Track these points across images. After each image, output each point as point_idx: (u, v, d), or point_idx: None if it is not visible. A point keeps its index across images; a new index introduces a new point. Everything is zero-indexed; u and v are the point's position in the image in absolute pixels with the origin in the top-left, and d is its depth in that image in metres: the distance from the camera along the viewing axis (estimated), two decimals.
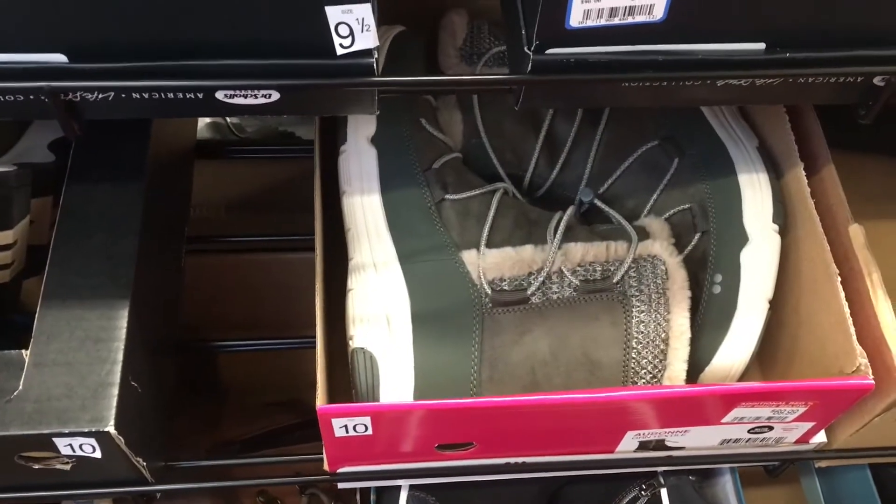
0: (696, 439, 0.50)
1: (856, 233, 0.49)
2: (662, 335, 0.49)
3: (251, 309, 0.69)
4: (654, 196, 0.56)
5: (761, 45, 0.40)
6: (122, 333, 0.45)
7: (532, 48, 0.39)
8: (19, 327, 0.48)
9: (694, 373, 0.50)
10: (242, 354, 0.71)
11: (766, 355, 0.53)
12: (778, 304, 0.51)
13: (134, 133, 0.51)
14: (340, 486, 0.52)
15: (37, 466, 0.46)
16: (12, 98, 0.39)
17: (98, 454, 0.44)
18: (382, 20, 0.39)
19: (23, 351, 0.44)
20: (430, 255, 0.51)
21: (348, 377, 0.50)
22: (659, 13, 0.37)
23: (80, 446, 0.43)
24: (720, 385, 0.47)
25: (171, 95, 0.40)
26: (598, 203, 0.56)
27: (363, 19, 0.37)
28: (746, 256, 0.51)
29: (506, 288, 0.50)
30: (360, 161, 0.53)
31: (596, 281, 0.50)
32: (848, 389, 0.44)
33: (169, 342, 0.56)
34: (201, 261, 0.70)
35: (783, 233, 0.51)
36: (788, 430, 0.49)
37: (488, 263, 0.50)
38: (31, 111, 0.40)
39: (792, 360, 0.52)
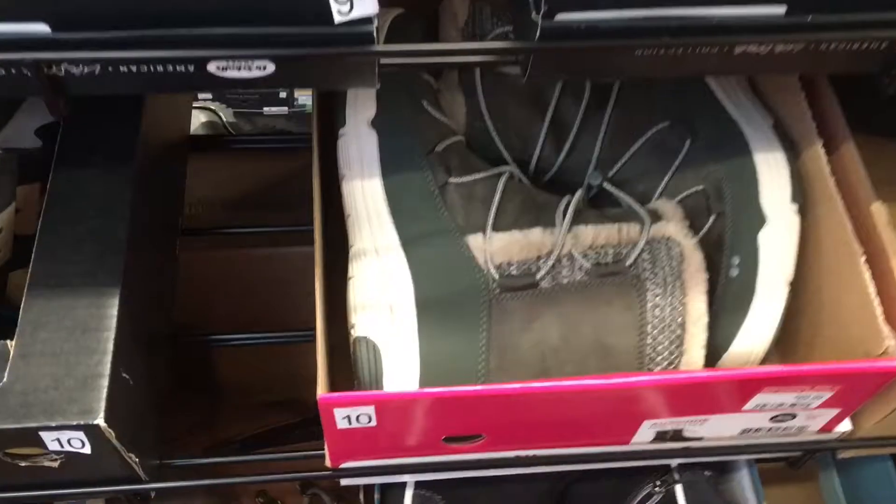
0: (715, 429, 0.48)
1: (879, 211, 0.47)
2: (679, 320, 0.47)
3: (249, 305, 0.67)
4: (666, 179, 0.53)
5: (781, 9, 0.38)
6: (113, 322, 0.43)
7: (541, 13, 0.37)
8: (4, 321, 0.46)
9: (711, 359, 0.47)
10: (240, 351, 0.69)
11: (786, 341, 0.51)
12: (798, 287, 0.49)
13: (124, 117, 0.49)
14: (343, 482, 0.50)
15: (24, 464, 0.43)
16: None
17: (87, 450, 0.42)
18: (381, 3, 0.37)
19: (7, 341, 0.42)
20: (433, 239, 0.49)
21: (350, 371, 0.47)
22: None
23: (69, 441, 0.41)
24: (742, 369, 0.44)
25: (160, 69, 0.38)
26: (608, 187, 0.54)
27: None
28: (765, 238, 0.48)
29: (514, 273, 0.47)
30: (359, 144, 0.51)
31: (608, 264, 0.47)
32: (877, 372, 0.42)
33: (163, 335, 0.54)
34: (197, 256, 0.68)
35: (802, 213, 0.49)
36: (812, 417, 0.47)
37: (495, 247, 0.48)
38: (13, 86, 0.38)
39: (813, 345, 0.50)
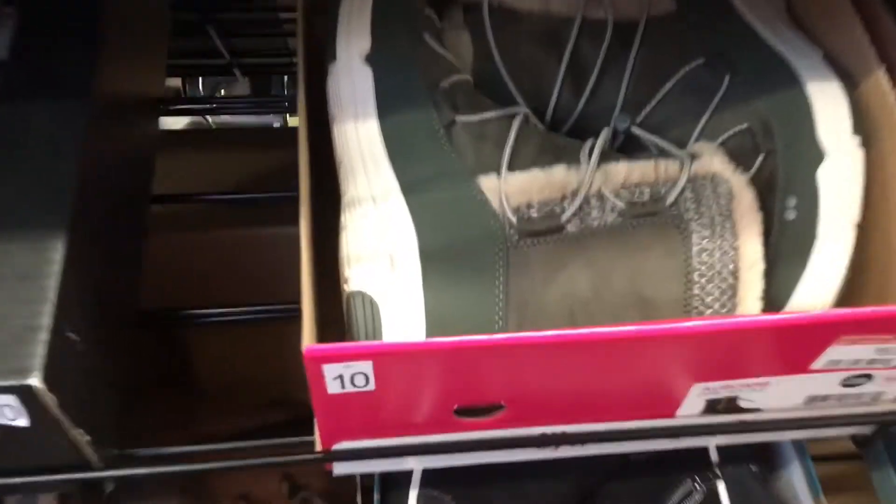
0: (776, 397, 0.40)
1: None
2: (730, 266, 0.40)
3: (231, 290, 0.60)
4: (703, 121, 0.47)
5: None
6: (56, 269, 0.35)
7: None
8: None
9: None
10: (225, 346, 0.62)
11: (851, 293, 0.43)
12: (862, 231, 0.42)
13: (78, 54, 0.43)
14: (336, 470, 0.42)
15: None
16: None
17: (24, 422, 0.34)
18: None
19: None
20: (439, 182, 0.42)
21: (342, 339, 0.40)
22: None
23: (1, 409, 0.34)
24: (817, 312, 0.37)
25: None
26: (637, 131, 0.47)
27: None
28: (824, 174, 0.42)
29: (534, 216, 0.40)
30: (352, 81, 0.44)
31: (645, 204, 0.41)
32: None
33: (128, 305, 0.46)
34: (174, 238, 0.61)
35: (865, 147, 0.42)
36: (892, 379, 0.39)
37: (512, 188, 0.41)
38: None
39: (885, 296, 0.43)
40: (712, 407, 0.41)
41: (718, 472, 0.53)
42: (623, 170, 0.41)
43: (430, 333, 0.38)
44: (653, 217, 0.40)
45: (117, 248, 0.44)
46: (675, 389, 0.39)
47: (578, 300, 0.39)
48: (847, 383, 0.40)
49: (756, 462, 0.54)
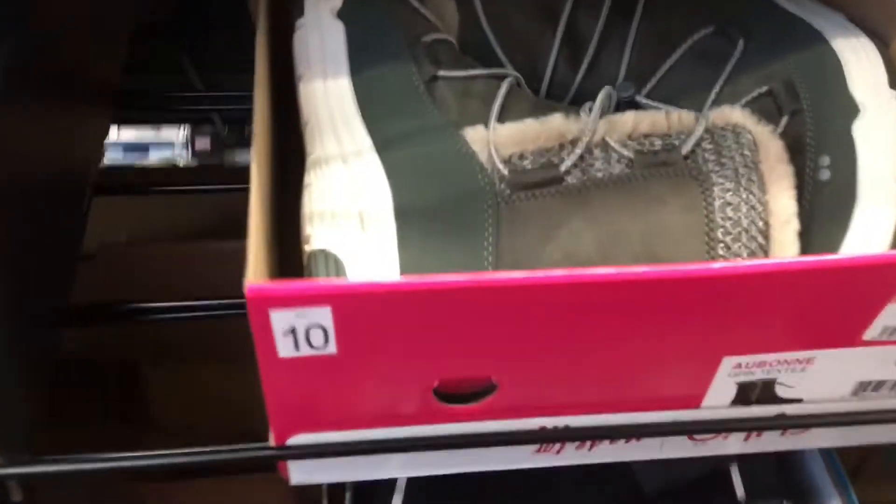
0: (819, 382, 0.34)
1: None
2: (759, 224, 0.34)
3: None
4: (717, 89, 0.42)
5: None
6: None
7: None
8: None
9: None
10: (181, 380, 0.55)
11: None
12: None
13: None
14: (293, 478, 0.35)
15: None
16: None
17: None
18: None
19: None
20: (418, 138, 0.36)
21: None
22: None
23: None
24: (872, 254, 0.31)
25: None
26: (643, 100, 0.42)
27: None
28: (861, 129, 0.36)
29: (528, 167, 0.35)
30: (321, 37, 0.39)
31: (657, 153, 0.35)
32: None
33: (54, 298, 0.40)
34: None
35: None
36: None
37: (502, 138, 0.35)
38: None
39: None
40: (745, 394, 0.34)
41: None
42: (630, 119, 0.36)
43: None
44: (666, 167, 0.34)
45: (43, 225, 0.38)
46: (700, 366, 0.32)
47: (582, 261, 0.33)
48: None
49: (789, 495, 0.47)
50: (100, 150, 0.47)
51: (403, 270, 0.32)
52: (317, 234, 0.33)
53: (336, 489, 0.47)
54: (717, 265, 0.28)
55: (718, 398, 0.34)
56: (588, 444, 0.36)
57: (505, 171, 0.34)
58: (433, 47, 0.39)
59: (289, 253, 0.38)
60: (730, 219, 0.34)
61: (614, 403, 0.33)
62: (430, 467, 0.36)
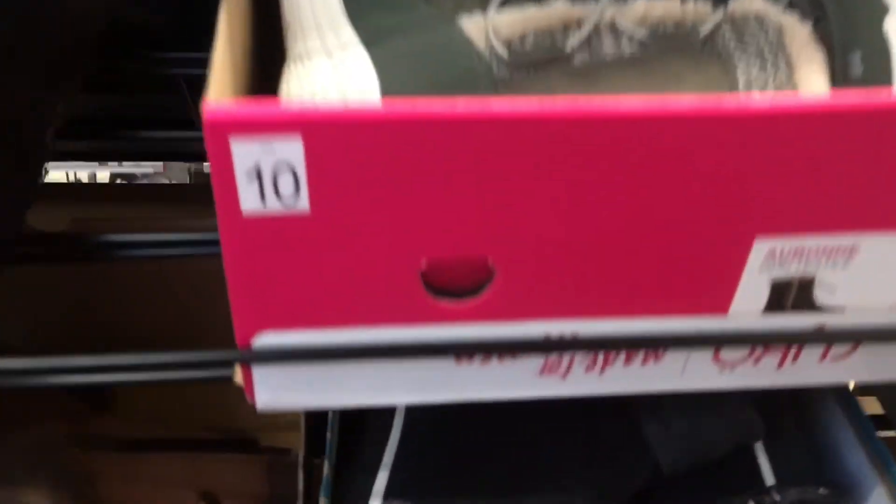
0: (861, 287, 0.29)
1: None
2: None
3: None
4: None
5: None
6: None
7: None
8: None
9: None
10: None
11: None
12: None
13: None
14: (259, 402, 0.30)
15: None
16: None
17: None
18: None
19: None
20: (409, 30, 0.33)
21: None
22: None
23: None
24: None
25: None
26: None
27: None
28: (894, 24, 0.33)
29: (528, 49, 0.31)
30: None
31: (673, 36, 0.31)
32: None
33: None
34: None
35: None
36: None
37: (501, 21, 0.32)
38: None
39: None
40: (779, 298, 0.29)
41: (778, 497, 0.41)
42: (641, 5, 0.32)
43: None
44: (683, 49, 0.31)
45: None
46: (729, 250, 0.28)
47: None
48: None
49: (825, 484, 0.42)
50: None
51: None
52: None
53: (312, 464, 0.42)
54: (756, 101, 0.24)
55: (749, 302, 0.29)
56: (599, 366, 0.31)
57: (504, 54, 0.31)
58: None
59: None
60: None
61: (629, 303, 0.29)
62: (419, 392, 0.31)
